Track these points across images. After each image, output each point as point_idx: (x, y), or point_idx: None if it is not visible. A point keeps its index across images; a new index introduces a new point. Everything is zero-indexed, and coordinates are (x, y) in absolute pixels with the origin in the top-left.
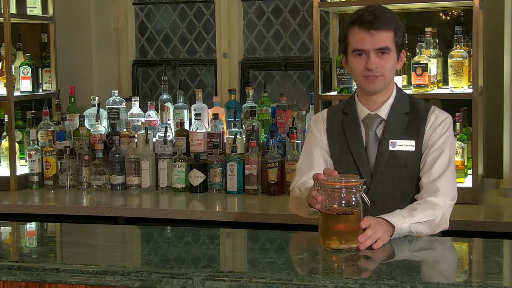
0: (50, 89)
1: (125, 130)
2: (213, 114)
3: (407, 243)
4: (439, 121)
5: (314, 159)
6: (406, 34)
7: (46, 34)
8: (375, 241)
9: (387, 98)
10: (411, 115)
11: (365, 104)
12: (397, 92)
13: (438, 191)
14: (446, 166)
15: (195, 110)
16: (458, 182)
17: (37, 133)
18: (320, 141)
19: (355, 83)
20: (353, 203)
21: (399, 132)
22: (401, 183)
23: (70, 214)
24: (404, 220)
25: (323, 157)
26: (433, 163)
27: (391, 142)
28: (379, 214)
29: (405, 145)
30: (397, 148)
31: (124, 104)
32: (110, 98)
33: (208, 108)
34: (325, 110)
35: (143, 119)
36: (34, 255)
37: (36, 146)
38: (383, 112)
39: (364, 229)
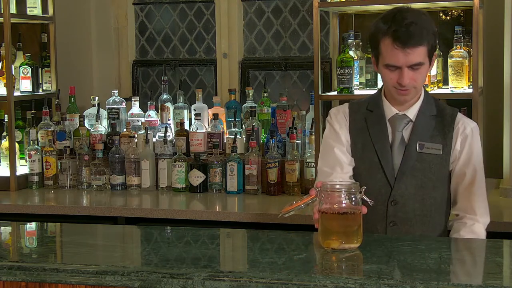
0: (50, 89)
1: (125, 130)
2: (213, 114)
3: (408, 243)
4: (468, 131)
5: (336, 159)
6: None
7: (46, 34)
8: None
9: (416, 100)
10: (438, 119)
11: (393, 103)
12: (425, 94)
13: (478, 217)
14: (481, 176)
15: (195, 110)
16: None
17: (37, 133)
18: (342, 137)
19: (355, 84)
20: (353, 203)
21: (427, 135)
22: (424, 186)
23: (70, 214)
24: None
25: (345, 155)
26: (472, 178)
27: (419, 144)
28: (399, 214)
29: (433, 148)
30: (424, 150)
31: (124, 104)
32: (110, 98)
33: (208, 108)
34: (346, 105)
35: (143, 119)
36: (34, 255)
37: (36, 146)
38: (412, 113)
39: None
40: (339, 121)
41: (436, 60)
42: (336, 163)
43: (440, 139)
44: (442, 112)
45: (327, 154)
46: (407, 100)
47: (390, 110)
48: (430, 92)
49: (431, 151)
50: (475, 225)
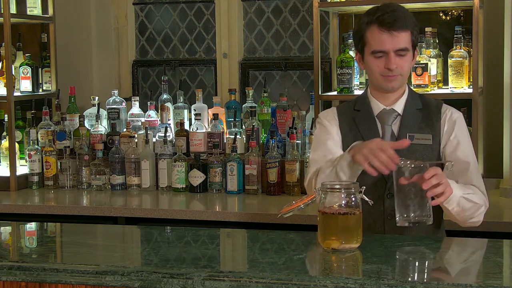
0: (50, 89)
1: (125, 130)
2: (213, 114)
3: (408, 243)
4: (455, 117)
5: (330, 150)
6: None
7: (46, 34)
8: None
9: (402, 94)
10: (424, 111)
11: (379, 100)
12: (409, 89)
13: (480, 189)
14: (474, 160)
15: (195, 110)
16: None
17: (37, 133)
18: (334, 134)
19: (355, 84)
20: (353, 203)
21: (415, 127)
22: None
23: (70, 214)
24: (459, 190)
25: (337, 148)
26: (469, 163)
27: (409, 136)
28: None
29: (423, 138)
30: (415, 141)
31: (124, 104)
32: (110, 98)
33: (208, 108)
34: (333, 108)
35: (143, 119)
36: (34, 255)
37: (36, 146)
38: (399, 107)
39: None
40: (329, 120)
41: (435, 59)
42: (327, 153)
43: (429, 130)
44: (428, 105)
45: (319, 147)
46: (394, 88)
47: (378, 106)
48: (430, 92)
49: (421, 141)
50: (475, 188)
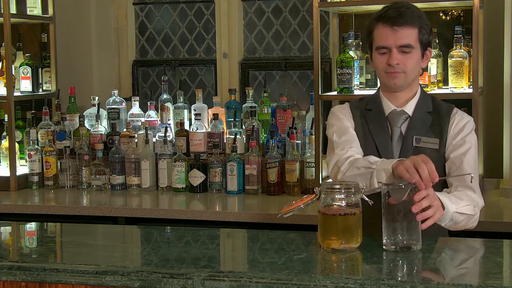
0: (50, 89)
1: (125, 130)
2: (213, 114)
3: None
4: (463, 122)
5: (355, 137)
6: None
7: (46, 34)
8: (431, 216)
9: (413, 96)
10: (434, 114)
11: (390, 100)
12: (421, 91)
13: (474, 189)
14: (474, 163)
15: (195, 110)
16: None
17: (37, 133)
18: (349, 125)
19: (355, 84)
20: (353, 203)
21: (423, 130)
22: None
23: (70, 214)
24: (452, 206)
25: (357, 138)
26: (462, 160)
27: (416, 138)
28: None
29: (429, 142)
30: (421, 144)
31: (124, 104)
32: (110, 98)
33: (208, 108)
34: (347, 104)
35: (143, 119)
36: (34, 255)
37: (36, 146)
38: (409, 109)
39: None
40: (344, 114)
41: (435, 59)
42: (353, 140)
43: (437, 134)
44: (438, 108)
45: (344, 133)
46: (397, 85)
47: (389, 106)
48: (430, 92)
49: (427, 145)
50: (470, 191)
